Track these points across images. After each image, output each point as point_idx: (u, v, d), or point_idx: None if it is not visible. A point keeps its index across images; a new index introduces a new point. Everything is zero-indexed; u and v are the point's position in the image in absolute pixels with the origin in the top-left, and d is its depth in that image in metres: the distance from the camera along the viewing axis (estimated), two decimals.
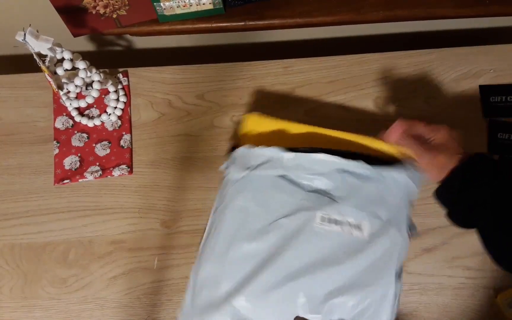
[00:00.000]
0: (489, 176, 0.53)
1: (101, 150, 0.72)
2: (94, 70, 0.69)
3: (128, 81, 0.76)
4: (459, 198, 0.55)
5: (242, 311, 0.56)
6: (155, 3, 0.70)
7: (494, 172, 0.54)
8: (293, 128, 0.64)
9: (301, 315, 0.56)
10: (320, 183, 0.60)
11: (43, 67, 0.64)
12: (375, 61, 0.75)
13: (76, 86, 0.68)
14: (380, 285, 0.56)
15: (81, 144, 0.72)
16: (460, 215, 0.56)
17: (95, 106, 0.74)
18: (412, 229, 0.61)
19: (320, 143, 0.61)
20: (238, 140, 0.66)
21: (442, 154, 0.56)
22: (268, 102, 0.74)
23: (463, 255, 0.67)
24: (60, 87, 0.68)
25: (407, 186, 0.59)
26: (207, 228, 0.63)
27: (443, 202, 0.58)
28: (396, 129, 0.59)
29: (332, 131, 0.63)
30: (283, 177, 0.61)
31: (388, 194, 0.59)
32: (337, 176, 0.59)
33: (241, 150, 0.62)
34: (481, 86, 0.73)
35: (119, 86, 0.74)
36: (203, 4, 0.72)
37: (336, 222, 0.58)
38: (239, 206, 0.60)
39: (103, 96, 0.74)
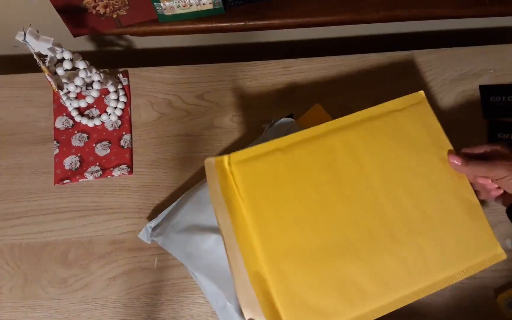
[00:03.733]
0: None
1: (101, 150, 0.72)
2: (94, 70, 0.69)
3: (128, 81, 0.76)
4: None
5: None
6: (155, 3, 0.70)
7: None
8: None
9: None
10: None
11: (43, 67, 0.64)
12: (375, 61, 0.75)
13: (76, 86, 0.68)
14: None
15: (81, 144, 0.72)
16: None
17: (95, 106, 0.74)
18: None
19: None
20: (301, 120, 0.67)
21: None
22: (268, 102, 0.74)
23: None
24: (60, 87, 0.68)
25: None
26: None
27: None
28: (454, 159, 0.56)
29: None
30: None
31: None
32: None
33: (289, 122, 0.64)
34: (481, 86, 0.73)
35: (119, 86, 0.74)
36: (203, 4, 0.72)
37: None
38: None
39: (103, 96, 0.74)
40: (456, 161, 0.56)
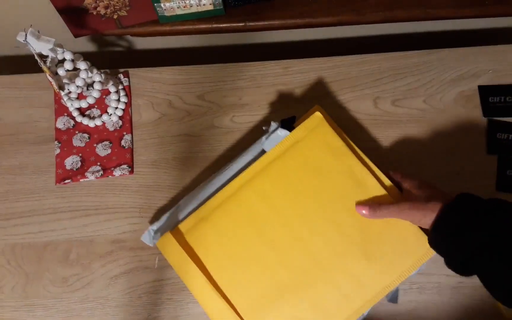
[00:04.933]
0: (483, 219, 0.49)
1: (102, 150, 0.73)
2: (95, 71, 0.69)
3: (129, 81, 0.76)
4: (453, 245, 0.51)
5: None
6: (155, 4, 0.70)
7: (485, 213, 0.50)
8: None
9: None
10: None
11: (44, 68, 0.64)
12: (375, 62, 0.76)
13: (77, 86, 0.69)
14: None
15: (82, 144, 0.73)
16: (457, 262, 0.52)
17: (96, 106, 0.75)
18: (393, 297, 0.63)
19: None
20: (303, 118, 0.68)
21: (418, 200, 0.55)
22: (268, 103, 0.74)
23: None
24: (61, 87, 0.69)
25: None
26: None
27: (438, 250, 0.54)
28: (361, 209, 0.59)
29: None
30: None
31: None
32: None
33: (284, 135, 0.64)
34: (480, 86, 0.73)
35: (120, 87, 0.75)
36: (204, 4, 0.72)
37: None
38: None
39: (104, 96, 0.75)
40: (364, 211, 0.58)
